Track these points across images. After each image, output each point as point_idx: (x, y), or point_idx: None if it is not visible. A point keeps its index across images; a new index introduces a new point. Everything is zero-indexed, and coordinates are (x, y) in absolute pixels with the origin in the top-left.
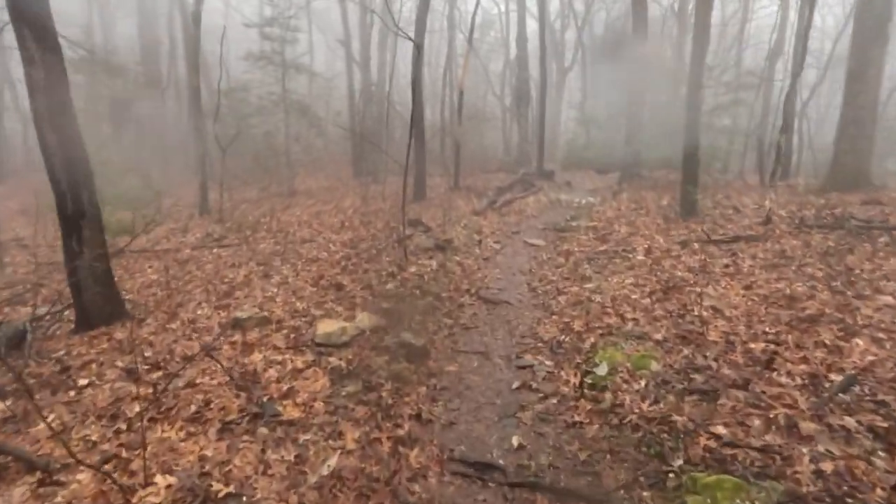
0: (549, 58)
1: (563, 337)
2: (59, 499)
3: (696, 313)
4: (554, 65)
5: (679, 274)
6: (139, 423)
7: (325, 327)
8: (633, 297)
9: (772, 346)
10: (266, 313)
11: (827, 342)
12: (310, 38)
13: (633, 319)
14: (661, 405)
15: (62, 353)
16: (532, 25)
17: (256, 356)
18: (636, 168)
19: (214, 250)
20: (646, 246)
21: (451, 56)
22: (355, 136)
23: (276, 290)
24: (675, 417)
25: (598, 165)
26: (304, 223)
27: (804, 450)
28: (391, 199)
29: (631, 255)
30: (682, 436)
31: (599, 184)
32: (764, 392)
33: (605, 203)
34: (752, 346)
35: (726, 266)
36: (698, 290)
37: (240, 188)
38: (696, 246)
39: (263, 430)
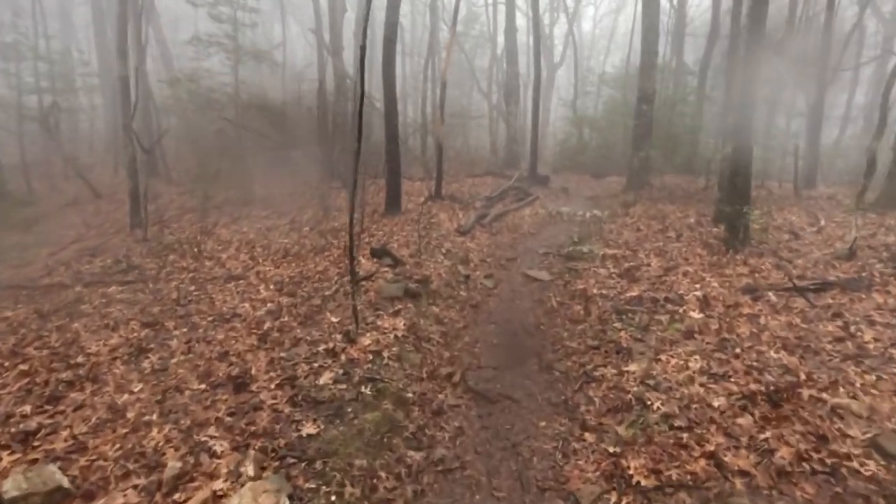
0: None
1: (614, 497)
2: None
3: (852, 463)
4: (543, 60)
5: (772, 354)
6: None
7: None
8: (716, 403)
9: None
10: (69, 478)
11: None
12: (283, 29)
13: (742, 472)
14: None
15: None
16: (520, 18)
17: None
18: (645, 175)
19: (111, 288)
20: (698, 293)
21: (433, 47)
22: (324, 135)
23: (138, 388)
24: None
25: (593, 169)
26: (246, 245)
27: None
28: (361, 210)
29: (680, 310)
30: None
31: (599, 190)
32: None
33: (615, 218)
34: None
35: (838, 340)
36: (825, 397)
37: (186, 195)
38: (774, 298)
39: None
